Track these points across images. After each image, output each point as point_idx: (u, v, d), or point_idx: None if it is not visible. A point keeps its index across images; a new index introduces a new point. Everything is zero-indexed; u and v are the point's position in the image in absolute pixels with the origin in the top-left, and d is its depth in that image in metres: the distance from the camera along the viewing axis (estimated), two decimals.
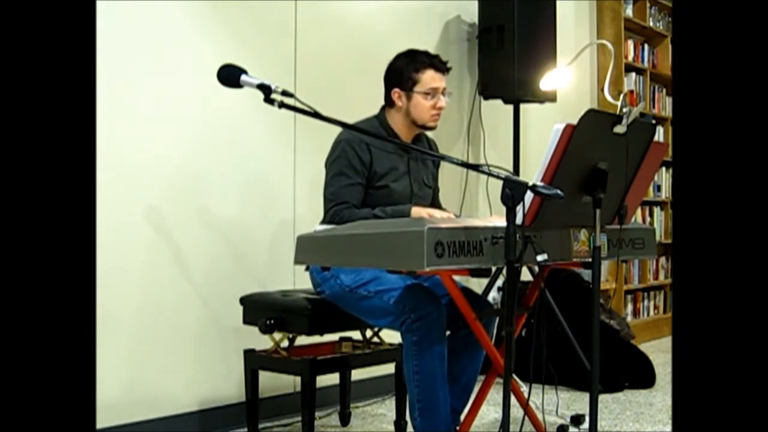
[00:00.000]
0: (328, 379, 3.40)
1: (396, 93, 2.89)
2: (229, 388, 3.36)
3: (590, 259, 2.36)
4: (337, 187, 2.80)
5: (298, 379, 3.02)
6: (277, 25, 3.59)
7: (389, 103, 2.93)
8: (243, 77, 2.16)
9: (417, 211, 2.74)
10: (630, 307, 5.86)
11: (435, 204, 3.10)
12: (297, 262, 2.44)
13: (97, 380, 1.65)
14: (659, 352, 5.17)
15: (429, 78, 2.87)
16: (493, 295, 4.25)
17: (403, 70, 2.88)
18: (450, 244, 2.05)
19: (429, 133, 3.07)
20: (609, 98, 2.77)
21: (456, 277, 2.54)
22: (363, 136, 2.78)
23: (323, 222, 2.82)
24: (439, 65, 2.90)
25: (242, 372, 3.03)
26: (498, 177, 2.05)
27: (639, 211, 5.87)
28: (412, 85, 2.86)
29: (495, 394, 3.52)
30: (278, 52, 3.58)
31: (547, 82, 3.02)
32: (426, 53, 2.92)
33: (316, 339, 3.09)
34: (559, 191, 2.03)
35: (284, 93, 2.11)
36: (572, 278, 4.48)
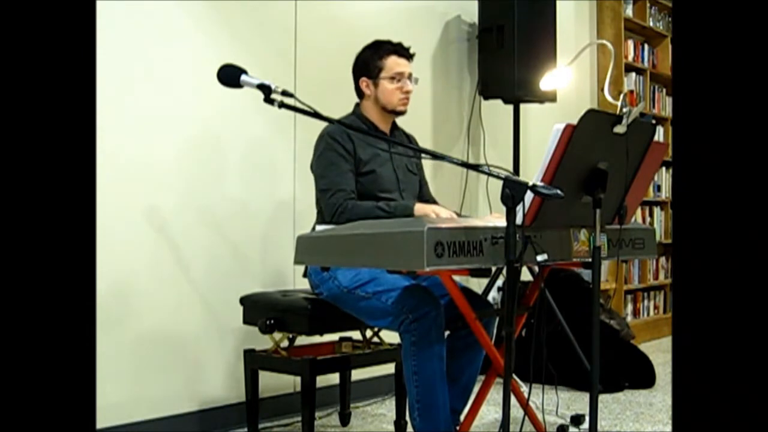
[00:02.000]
0: (328, 379, 3.40)
1: (364, 82, 2.96)
2: (229, 388, 3.36)
3: (590, 259, 2.36)
4: (331, 177, 2.81)
5: (298, 379, 3.02)
6: (277, 25, 3.59)
7: (359, 94, 3.00)
8: (243, 77, 2.17)
9: (421, 208, 2.74)
10: (630, 307, 5.87)
11: (424, 196, 3.10)
12: (297, 262, 2.44)
13: (97, 380, 1.65)
14: (659, 352, 5.17)
15: (393, 63, 2.93)
16: (493, 295, 4.25)
17: (369, 60, 2.96)
18: (450, 244, 2.05)
19: (406, 126, 3.11)
20: (609, 98, 2.78)
21: (456, 277, 2.54)
22: (343, 127, 2.81)
23: (323, 218, 2.83)
24: (402, 51, 2.96)
25: (242, 372, 3.03)
26: (498, 177, 2.05)
27: (639, 211, 5.88)
28: (377, 72, 2.93)
29: (495, 394, 3.52)
30: (278, 52, 3.58)
31: (547, 82, 3.02)
32: (389, 42, 2.98)
33: (316, 339, 3.09)
34: (559, 191, 2.03)
35: (284, 93, 2.11)
36: (572, 278, 4.48)
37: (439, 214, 2.61)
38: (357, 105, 3.03)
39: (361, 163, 2.86)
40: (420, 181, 3.11)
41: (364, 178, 2.86)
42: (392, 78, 2.92)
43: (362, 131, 2.81)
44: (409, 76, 2.95)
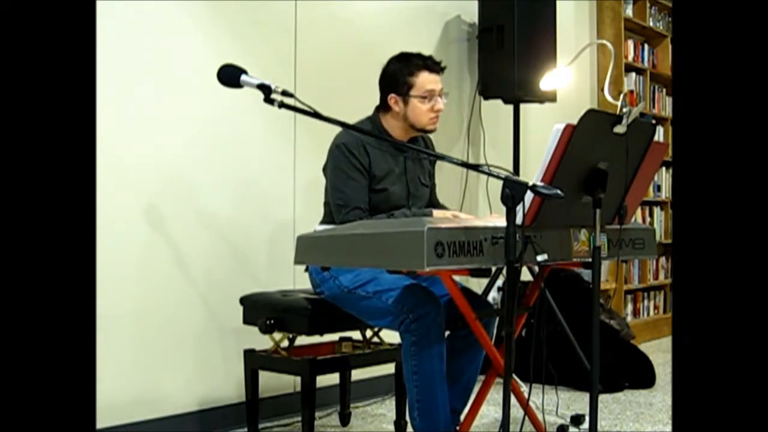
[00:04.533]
0: (328, 379, 3.39)
1: (392, 98, 2.83)
2: (229, 388, 3.36)
3: (590, 259, 2.36)
4: (348, 192, 2.76)
5: (298, 379, 3.02)
6: (277, 25, 3.59)
7: (385, 108, 2.88)
8: (243, 77, 2.17)
9: (440, 214, 2.73)
10: (630, 307, 5.86)
11: (433, 201, 3.10)
12: (297, 262, 2.44)
13: (97, 380, 1.65)
14: (659, 352, 5.17)
15: (424, 80, 2.81)
16: (493, 295, 4.25)
17: (398, 75, 2.82)
18: (450, 244, 2.05)
19: None
20: (609, 98, 2.77)
21: (456, 277, 2.54)
22: (360, 138, 2.76)
23: (330, 219, 2.82)
24: (433, 66, 2.84)
25: (242, 372, 3.03)
26: (498, 177, 2.05)
27: (639, 211, 5.87)
28: (407, 89, 2.81)
29: (495, 394, 3.52)
30: (278, 52, 3.58)
31: (547, 82, 3.02)
32: (419, 55, 2.86)
33: (316, 339, 3.09)
34: (559, 191, 2.03)
35: (284, 93, 2.11)
36: (572, 278, 4.48)
37: (458, 216, 2.61)
38: (376, 111, 2.92)
39: (375, 180, 2.80)
40: (431, 188, 3.08)
41: (376, 195, 2.81)
42: (423, 97, 2.80)
43: (375, 136, 2.71)
44: (440, 93, 2.84)
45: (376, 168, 2.81)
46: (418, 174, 2.96)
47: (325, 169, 2.89)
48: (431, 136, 3.09)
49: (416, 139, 3.00)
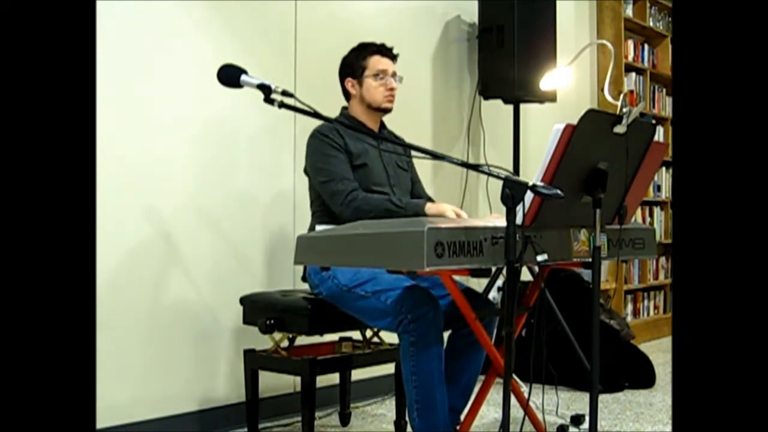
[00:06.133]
0: (328, 379, 3.40)
1: (349, 82, 3.01)
2: (229, 388, 3.36)
3: (590, 259, 2.36)
4: (332, 168, 2.83)
5: (298, 379, 3.02)
6: (277, 25, 3.59)
7: (346, 95, 3.04)
8: (243, 77, 2.17)
9: (434, 207, 2.73)
10: (630, 307, 5.86)
11: (417, 193, 3.11)
12: (297, 262, 2.44)
13: (98, 380, 1.65)
14: (659, 352, 5.17)
15: (376, 62, 2.99)
16: (493, 295, 4.25)
17: (353, 61, 3.01)
18: (450, 244, 2.04)
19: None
20: (609, 98, 2.78)
21: (456, 277, 2.54)
22: (333, 124, 2.83)
23: (321, 217, 2.83)
24: (385, 51, 3.01)
25: (242, 372, 3.03)
26: (498, 177, 2.05)
27: (639, 211, 5.87)
28: (361, 71, 2.98)
29: (495, 394, 3.52)
30: (278, 52, 3.58)
31: (547, 82, 3.02)
32: (372, 43, 3.03)
33: (316, 339, 3.09)
34: (559, 191, 2.03)
35: (284, 93, 2.11)
36: (572, 278, 4.48)
37: (459, 213, 2.62)
38: (344, 108, 3.06)
39: (353, 157, 2.89)
40: (411, 178, 3.12)
41: (356, 172, 2.88)
42: (376, 75, 2.96)
43: (350, 127, 2.79)
44: (393, 75, 2.99)
45: (351, 146, 2.90)
46: (395, 159, 3.04)
47: (306, 170, 2.93)
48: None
49: (386, 131, 3.08)
